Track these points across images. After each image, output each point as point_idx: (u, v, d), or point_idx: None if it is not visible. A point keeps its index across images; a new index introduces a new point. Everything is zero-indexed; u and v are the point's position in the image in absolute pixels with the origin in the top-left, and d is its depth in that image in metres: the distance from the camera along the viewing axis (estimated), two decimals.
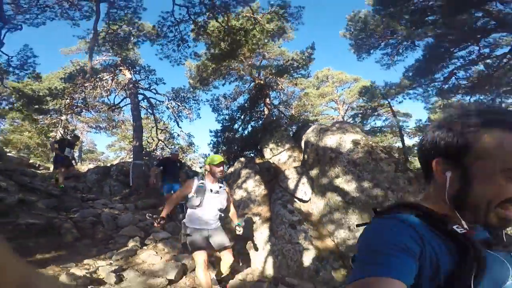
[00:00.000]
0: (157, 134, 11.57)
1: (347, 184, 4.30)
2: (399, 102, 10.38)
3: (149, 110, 11.07)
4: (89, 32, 7.82)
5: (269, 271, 4.29)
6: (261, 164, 7.77)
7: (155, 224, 2.91)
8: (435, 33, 5.83)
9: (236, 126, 10.63)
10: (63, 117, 10.55)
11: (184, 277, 3.60)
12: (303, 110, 13.46)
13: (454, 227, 0.59)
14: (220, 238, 3.04)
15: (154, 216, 2.97)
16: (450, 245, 0.57)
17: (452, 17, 5.57)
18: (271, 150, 8.68)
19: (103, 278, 3.25)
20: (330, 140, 4.99)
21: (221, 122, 10.28)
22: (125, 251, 4.09)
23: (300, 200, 5.33)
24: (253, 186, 6.33)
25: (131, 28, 7.64)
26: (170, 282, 3.33)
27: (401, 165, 4.15)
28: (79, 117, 12.39)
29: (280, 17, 9.44)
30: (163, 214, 2.96)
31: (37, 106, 8.39)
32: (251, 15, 8.31)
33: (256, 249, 4.50)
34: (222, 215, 3.15)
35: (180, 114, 10.63)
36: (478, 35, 6.06)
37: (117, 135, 15.86)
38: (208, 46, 8.29)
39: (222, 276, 3.33)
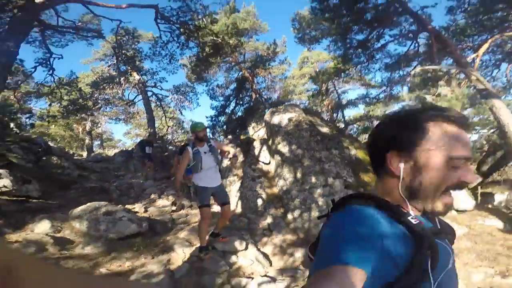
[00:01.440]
0: (166, 122, 14.08)
1: (284, 148, 6.57)
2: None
3: (157, 103, 13.49)
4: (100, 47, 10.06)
5: (238, 210, 6.79)
6: (244, 139, 10.10)
7: (178, 197, 4.08)
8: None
9: (228, 110, 12.87)
10: (90, 114, 13.24)
11: (181, 210, 6.17)
12: (288, 91, 15.37)
13: (409, 218, 0.61)
14: (221, 195, 3.59)
15: (176, 192, 3.78)
16: (406, 234, 0.60)
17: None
18: (253, 128, 10.97)
19: (138, 211, 5.86)
20: (275, 119, 7.20)
21: (215, 108, 12.57)
22: (148, 200, 6.72)
23: (263, 162, 7.69)
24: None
25: (135, 48, 9.83)
26: (173, 211, 5.89)
27: (314, 132, 6.35)
28: (102, 111, 15.07)
29: (251, 15, 11.23)
30: (177, 187, 3.53)
31: (72, 107, 10.86)
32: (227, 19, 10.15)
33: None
34: (220, 167, 3.79)
35: (182, 105, 13.01)
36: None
37: (132, 124, 18.62)
38: (197, 50, 10.28)
39: (219, 229, 3.88)
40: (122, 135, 29.52)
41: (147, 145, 8.65)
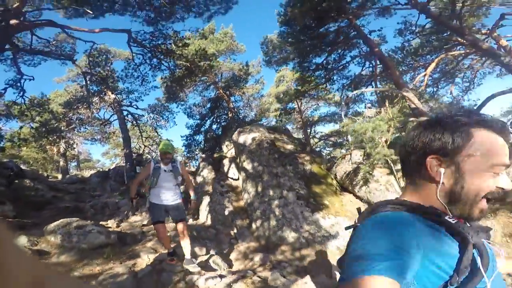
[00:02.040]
0: (143, 141, 14.46)
1: (248, 165, 7.33)
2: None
3: (133, 122, 13.90)
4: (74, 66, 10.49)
5: (208, 222, 7.35)
6: (217, 157, 10.77)
7: (131, 203, 3.84)
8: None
9: (203, 129, 13.55)
10: (63, 136, 13.37)
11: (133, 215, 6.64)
12: (264, 109, 16.41)
13: (447, 217, 0.61)
14: (176, 213, 3.62)
15: (130, 199, 3.79)
16: (446, 235, 0.59)
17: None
18: (226, 146, 11.68)
19: (111, 227, 6.26)
20: (241, 138, 8.00)
21: (191, 127, 13.21)
22: (123, 215, 7.13)
23: (232, 178, 8.37)
24: (207, 173, 9.36)
25: (109, 68, 10.43)
26: (144, 225, 6.36)
27: (272, 150, 7.21)
28: (77, 132, 15.15)
29: (229, 37, 12.25)
30: (131, 195, 3.68)
31: (44, 129, 10.98)
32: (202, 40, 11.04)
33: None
34: (180, 189, 3.78)
35: (158, 124, 13.53)
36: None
37: (110, 143, 18.71)
38: (168, 72, 10.99)
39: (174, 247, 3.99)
40: (101, 155, 29.16)
41: (138, 165, 9.00)
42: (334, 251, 5.21)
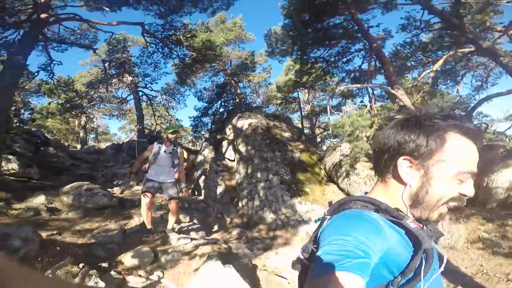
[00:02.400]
0: (155, 119, 15.45)
1: (242, 148, 7.94)
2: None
3: (147, 102, 14.84)
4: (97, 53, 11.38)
5: (201, 197, 8.17)
6: (218, 139, 11.47)
7: (130, 176, 4.20)
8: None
9: (211, 112, 14.23)
10: (86, 110, 14.57)
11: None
12: (270, 97, 16.75)
13: (407, 221, 0.62)
14: (169, 191, 3.94)
15: (130, 172, 4.26)
16: (404, 238, 0.62)
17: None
18: (229, 129, 12.33)
19: (115, 193, 7.20)
20: (239, 123, 8.59)
21: (199, 110, 13.93)
22: (129, 185, 8.09)
23: (228, 159, 9.06)
24: (207, 153, 10.14)
25: (126, 54, 11.20)
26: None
27: (265, 136, 7.75)
28: (97, 108, 16.38)
29: (238, 26, 12.56)
30: (132, 170, 4.12)
31: (68, 104, 12.16)
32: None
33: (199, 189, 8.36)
34: (174, 170, 4.02)
35: (170, 105, 14.36)
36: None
37: (126, 119, 20.02)
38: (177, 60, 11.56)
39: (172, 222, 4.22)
40: (117, 129, 30.92)
41: (150, 141, 9.54)
42: (303, 235, 5.81)
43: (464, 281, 4.12)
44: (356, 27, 8.01)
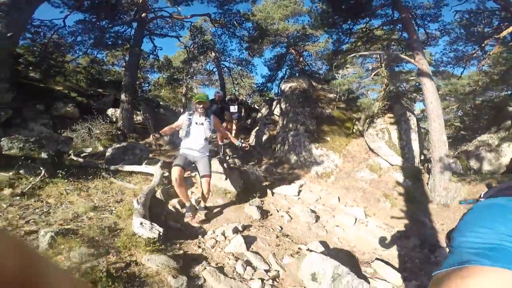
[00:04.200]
0: (234, 86, 18.48)
1: (283, 105, 9.57)
2: None
3: (228, 73, 17.86)
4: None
5: (252, 143, 10.48)
6: (271, 98, 13.25)
7: (152, 137, 3.51)
8: None
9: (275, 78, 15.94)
10: (185, 81, 19.02)
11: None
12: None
13: None
14: (201, 167, 3.54)
15: (155, 134, 3.51)
16: None
17: None
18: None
19: None
20: (283, 86, 10.08)
21: (264, 77, 15.90)
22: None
23: (275, 114, 10.85)
24: (264, 110, 12.22)
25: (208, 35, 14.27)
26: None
27: (300, 95, 9.00)
28: (194, 79, 20.91)
29: (293, 2, 13.44)
30: (157, 134, 3.53)
31: (171, 78, 16.29)
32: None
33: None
34: (208, 143, 3.63)
35: (243, 74, 17.00)
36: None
37: (216, 87, 24.38)
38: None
39: (204, 202, 3.81)
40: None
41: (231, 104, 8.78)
42: (313, 174, 7.26)
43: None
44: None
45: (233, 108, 8.15)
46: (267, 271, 2.68)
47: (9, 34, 4.42)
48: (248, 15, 11.52)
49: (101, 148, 6.70)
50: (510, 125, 7.69)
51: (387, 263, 3.40)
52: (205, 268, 2.44)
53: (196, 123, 3.55)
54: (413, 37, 7.04)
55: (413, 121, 7.58)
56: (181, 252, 2.71)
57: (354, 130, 8.69)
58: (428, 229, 5.00)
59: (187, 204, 3.62)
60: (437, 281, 0.47)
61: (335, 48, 9.97)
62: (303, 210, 4.74)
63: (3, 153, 3.81)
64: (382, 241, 4.09)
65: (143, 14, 9.97)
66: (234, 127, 8.05)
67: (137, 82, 12.19)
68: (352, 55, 7.54)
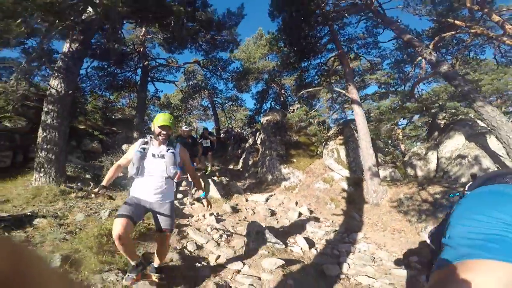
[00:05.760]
0: (226, 119, 21.07)
1: (262, 136, 11.89)
2: None
3: (220, 107, 20.50)
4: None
5: (240, 167, 12.60)
6: (256, 130, 15.66)
7: (93, 195, 2.51)
8: None
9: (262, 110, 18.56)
10: (184, 116, 21.65)
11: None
12: None
13: None
14: (161, 218, 2.58)
15: (97, 192, 2.47)
16: None
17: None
18: None
19: None
20: (262, 119, 12.51)
21: (251, 111, 18.60)
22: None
23: (258, 144, 13.12)
24: (250, 140, 14.53)
25: (198, 78, 17.41)
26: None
27: (272, 127, 11.40)
28: (192, 114, 23.92)
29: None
30: (103, 182, 2.52)
31: (172, 115, 18.90)
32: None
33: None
34: (172, 183, 2.73)
35: (234, 109, 19.91)
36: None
37: (211, 121, 27.59)
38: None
39: (158, 261, 2.81)
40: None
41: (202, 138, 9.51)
42: (282, 188, 9.31)
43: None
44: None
45: (205, 143, 8.86)
46: (225, 231, 4.71)
47: (70, 92, 6.78)
48: (231, 60, 14.52)
49: (121, 174, 8.94)
50: (436, 136, 9.85)
51: (306, 238, 5.30)
52: (188, 228, 4.51)
53: (154, 155, 2.62)
54: (346, 70, 9.42)
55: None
56: (176, 223, 4.76)
57: (318, 152, 10.89)
58: (356, 222, 6.91)
59: (132, 263, 2.52)
60: (438, 280, 0.44)
61: (297, 83, 12.58)
62: (264, 209, 6.75)
63: (67, 173, 6.00)
64: (312, 226, 6.05)
65: (146, 62, 12.78)
66: (210, 159, 9.18)
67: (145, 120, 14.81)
68: (301, 92, 10.03)
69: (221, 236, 4.46)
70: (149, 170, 2.59)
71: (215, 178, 9.05)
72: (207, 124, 26.84)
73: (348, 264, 4.17)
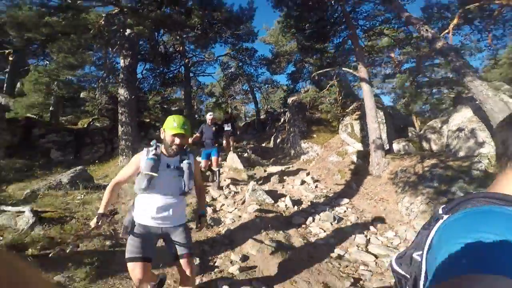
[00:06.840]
0: (264, 102, 22.73)
1: (288, 114, 13.26)
2: None
3: (258, 90, 22.21)
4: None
5: (271, 144, 14.35)
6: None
7: (93, 226, 2.02)
8: None
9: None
10: (230, 100, 24.18)
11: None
12: None
13: None
14: (179, 242, 2.15)
15: (97, 223, 2.03)
16: None
17: None
18: None
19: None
20: (288, 100, 13.75)
21: (286, 92, 19.73)
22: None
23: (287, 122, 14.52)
24: (281, 120, 16.03)
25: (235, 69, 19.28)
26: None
27: (296, 106, 12.57)
28: (235, 99, 26.43)
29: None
30: (101, 209, 2.07)
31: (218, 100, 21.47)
32: None
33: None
34: (185, 202, 2.34)
35: (271, 91, 21.41)
36: None
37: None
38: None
39: None
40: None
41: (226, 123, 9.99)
42: (301, 161, 10.72)
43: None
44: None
45: (227, 126, 9.60)
46: (235, 191, 6.70)
47: (133, 97, 9.54)
48: (255, 49, 16.11)
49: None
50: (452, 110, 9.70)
51: (295, 200, 6.73)
52: (209, 187, 6.64)
53: (169, 166, 2.16)
54: (356, 49, 9.88)
55: (379, 115, 10.34)
56: None
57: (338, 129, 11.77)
58: (351, 190, 7.60)
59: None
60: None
61: (317, 65, 13.28)
62: (275, 177, 8.46)
63: None
64: (306, 190, 7.51)
65: (186, 60, 15.29)
66: (231, 143, 10.12)
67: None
68: (313, 74, 10.89)
69: (230, 192, 6.48)
70: (161, 184, 2.09)
71: (245, 154, 11.05)
72: (247, 107, 28.99)
73: (314, 218, 5.23)
